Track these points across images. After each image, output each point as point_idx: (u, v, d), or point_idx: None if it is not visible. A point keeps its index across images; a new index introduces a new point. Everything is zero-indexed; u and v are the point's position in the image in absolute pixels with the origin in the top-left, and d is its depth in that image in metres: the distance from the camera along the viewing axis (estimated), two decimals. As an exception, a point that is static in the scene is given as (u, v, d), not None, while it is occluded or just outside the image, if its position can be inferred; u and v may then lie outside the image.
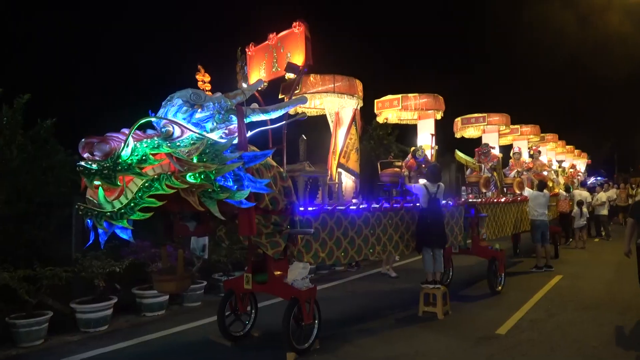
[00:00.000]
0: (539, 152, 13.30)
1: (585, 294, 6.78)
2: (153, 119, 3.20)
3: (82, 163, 2.96)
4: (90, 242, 3.01)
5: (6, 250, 5.24)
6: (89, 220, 2.99)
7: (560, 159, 17.25)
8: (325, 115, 6.37)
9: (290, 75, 4.80)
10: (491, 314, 5.71)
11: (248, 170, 3.54)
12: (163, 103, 3.54)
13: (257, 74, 5.56)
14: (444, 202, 6.47)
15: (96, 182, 2.98)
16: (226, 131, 3.63)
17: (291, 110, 6.06)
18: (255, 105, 4.10)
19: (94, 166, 2.95)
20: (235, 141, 3.53)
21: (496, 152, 10.70)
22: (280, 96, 5.43)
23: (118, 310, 5.44)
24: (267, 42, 5.21)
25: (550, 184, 12.90)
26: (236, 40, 6.04)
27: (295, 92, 5.10)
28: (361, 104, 6.01)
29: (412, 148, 7.29)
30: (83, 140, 3.03)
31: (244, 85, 4.90)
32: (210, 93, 4.54)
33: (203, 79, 4.80)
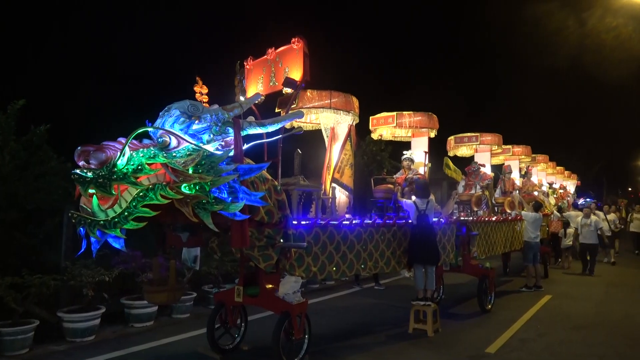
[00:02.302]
0: (531, 172, 13.43)
1: (574, 314, 6.80)
2: (150, 129, 3.21)
3: (77, 171, 2.96)
4: (82, 250, 2.99)
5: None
6: (81, 229, 2.98)
7: (551, 179, 17.41)
8: (320, 130, 6.41)
9: (287, 90, 4.85)
10: (481, 333, 5.70)
11: (243, 182, 3.55)
12: (160, 113, 3.56)
13: (255, 87, 5.61)
14: (435, 219, 6.50)
15: (91, 191, 2.97)
16: (222, 143, 3.66)
17: (287, 125, 6.12)
18: (252, 118, 4.14)
19: (89, 174, 2.95)
20: (231, 153, 3.55)
21: (488, 170, 10.81)
22: (277, 110, 5.46)
23: (105, 320, 5.36)
24: (265, 56, 5.27)
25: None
26: (236, 53, 6.11)
27: (292, 106, 5.13)
28: (357, 121, 6.06)
29: (403, 153, 7.32)
30: (79, 148, 3.04)
31: (242, 98, 4.93)
32: (207, 105, 4.58)
33: (201, 90, 4.83)
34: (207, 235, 4.38)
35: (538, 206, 9.70)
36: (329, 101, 5.37)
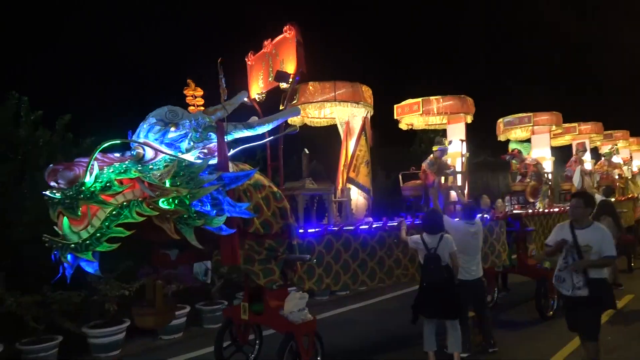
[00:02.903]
0: (614, 151, 12.57)
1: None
2: (117, 142, 3.23)
3: (47, 192, 3.02)
4: (58, 276, 3.05)
5: (20, 273, 5.53)
6: (56, 252, 3.03)
7: (638, 157, 16.09)
8: (336, 125, 6.30)
9: (283, 85, 4.77)
10: (539, 346, 5.31)
11: (230, 192, 3.49)
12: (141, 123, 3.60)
13: (257, 85, 5.60)
14: (478, 216, 6.12)
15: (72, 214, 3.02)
16: (205, 151, 3.63)
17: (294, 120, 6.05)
18: (255, 118, 4.10)
19: (58, 195, 3.00)
20: (214, 161, 3.51)
21: (547, 154, 10.13)
22: (281, 107, 5.41)
23: (134, 333, 5.56)
24: (263, 50, 5.24)
25: (623, 187, 12.12)
26: (238, 52, 6.16)
27: (293, 102, 5.05)
28: (371, 112, 5.90)
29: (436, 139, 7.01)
30: (50, 166, 3.11)
31: (225, 99, 4.91)
32: (202, 109, 4.59)
33: (194, 93, 4.86)
34: (210, 248, 4.40)
35: (609, 191, 8.98)
36: (334, 94, 5.25)
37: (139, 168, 3.25)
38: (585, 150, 11.29)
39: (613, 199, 9.10)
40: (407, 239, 4.92)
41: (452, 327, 4.64)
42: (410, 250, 5.19)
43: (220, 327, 4.66)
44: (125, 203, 3.14)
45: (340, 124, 6.13)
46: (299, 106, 5.29)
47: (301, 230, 4.42)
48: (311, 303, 5.01)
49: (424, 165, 6.57)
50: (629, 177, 13.17)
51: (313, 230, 4.54)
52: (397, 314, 7.08)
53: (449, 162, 7.06)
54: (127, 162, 3.27)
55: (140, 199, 3.18)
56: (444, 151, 6.64)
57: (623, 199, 11.49)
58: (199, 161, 3.43)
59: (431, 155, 6.59)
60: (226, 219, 3.33)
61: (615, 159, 13.10)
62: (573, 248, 3.98)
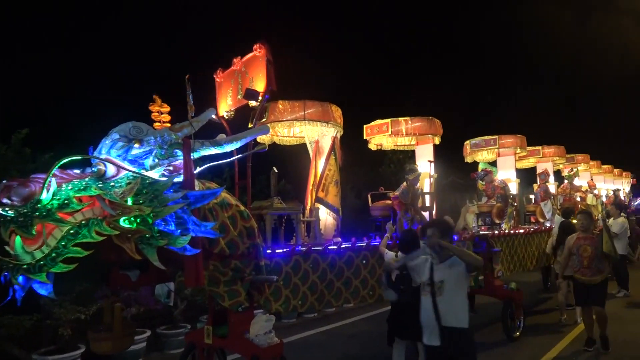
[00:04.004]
0: (574, 175, 13.09)
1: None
2: (78, 157, 3.16)
3: (-1, 210, 2.91)
4: (8, 298, 2.92)
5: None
6: (6, 274, 2.91)
7: (598, 180, 16.86)
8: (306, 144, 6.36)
9: (253, 103, 4.81)
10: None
11: (195, 211, 3.45)
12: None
13: (225, 102, 5.61)
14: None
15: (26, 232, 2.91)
16: (170, 168, 3.59)
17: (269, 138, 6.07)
18: (223, 136, 4.08)
19: (10, 212, 2.89)
20: (180, 179, 3.47)
21: (513, 176, 10.51)
22: (249, 125, 5.43)
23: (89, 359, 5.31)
24: (233, 67, 5.27)
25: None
26: (210, 65, 6.18)
27: (262, 120, 5.08)
28: (341, 132, 5.99)
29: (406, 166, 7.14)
30: (3, 183, 3.00)
31: (192, 116, 4.90)
32: (168, 125, 4.56)
33: (160, 109, 4.82)
34: (173, 269, 4.31)
35: (568, 212, 9.39)
36: (303, 113, 5.30)
37: (99, 185, 3.17)
38: (547, 176, 11.77)
39: (574, 220, 9.46)
40: (383, 251, 5.00)
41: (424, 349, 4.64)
42: (378, 271, 5.24)
43: (183, 352, 4.52)
44: (84, 222, 3.06)
45: (309, 143, 6.18)
46: (268, 124, 5.31)
47: (269, 251, 4.40)
48: (278, 326, 4.95)
49: (397, 194, 6.47)
50: (593, 204, 13.67)
51: (281, 250, 4.53)
52: (366, 337, 7.08)
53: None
54: (87, 178, 3.19)
55: (100, 218, 3.10)
56: (417, 178, 6.65)
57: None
58: (164, 179, 3.38)
59: (404, 184, 6.59)
60: (191, 239, 3.27)
61: (577, 181, 13.66)
62: (427, 285, 3.58)
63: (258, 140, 5.98)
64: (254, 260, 4.11)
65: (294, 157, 7.64)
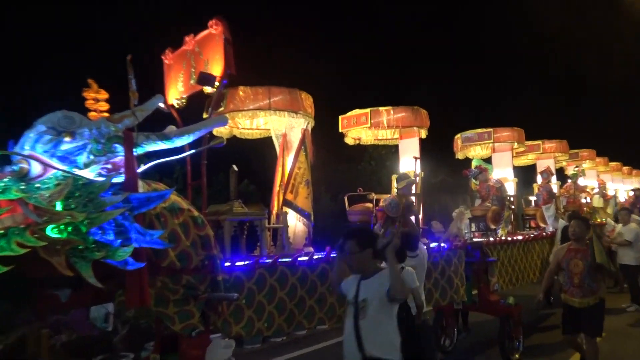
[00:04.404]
0: (580, 172, 13.45)
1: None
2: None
3: None
4: None
5: None
6: None
7: (605, 180, 17.35)
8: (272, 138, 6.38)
9: (208, 89, 4.79)
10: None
11: (139, 217, 3.41)
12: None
13: (175, 88, 5.56)
14: (434, 244, 6.37)
15: None
16: (108, 166, 3.55)
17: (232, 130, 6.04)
18: (172, 128, 4.05)
19: None
20: (120, 179, 3.44)
21: (510, 174, 10.78)
22: (204, 115, 5.41)
23: None
24: (184, 46, 5.23)
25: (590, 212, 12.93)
26: (158, 45, 6.11)
27: (219, 109, 5.07)
28: (312, 124, 6.03)
29: (394, 176, 7.26)
30: None
31: (135, 104, 4.85)
32: (106, 115, 4.49)
33: (96, 96, 4.74)
34: (112, 286, 4.25)
35: (574, 216, 9.66)
36: (268, 101, 5.32)
37: (22, 187, 3.11)
38: (551, 175, 12.06)
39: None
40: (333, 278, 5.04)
41: None
42: None
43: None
44: (2, 231, 2.99)
45: (275, 137, 6.19)
46: (227, 114, 5.29)
47: (227, 264, 4.38)
48: (239, 352, 4.95)
49: (384, 205, 6.42)
50: (600, 206, 14.11)
51: (242, 263, 4.52)
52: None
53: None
54: (6, 179, 3.12)
55: (22, 226, 3.04)
56: (409, 187, 6.67)
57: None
58: (101, 179, 3.34)
59: (393, 193, 6.62)
60: (133, 251, 3.24)
61: (582, 181, 14.01)
62: (351, 305, 3.42)
63: (215, 133, 5.96)
64: (210, 275, 4.09)
65: (258, 153, 7.67)
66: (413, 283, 4.68)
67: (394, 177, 8.15)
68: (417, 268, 5.26)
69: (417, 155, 7.55)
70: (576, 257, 5.53)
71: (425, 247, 5.82)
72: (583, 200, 13.29)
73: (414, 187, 7.37)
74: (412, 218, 6.90)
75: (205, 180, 4.95)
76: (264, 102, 5.39)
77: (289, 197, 5.72)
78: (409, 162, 7.55)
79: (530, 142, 12.36)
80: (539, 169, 13.44)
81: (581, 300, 5.46)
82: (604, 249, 5.60)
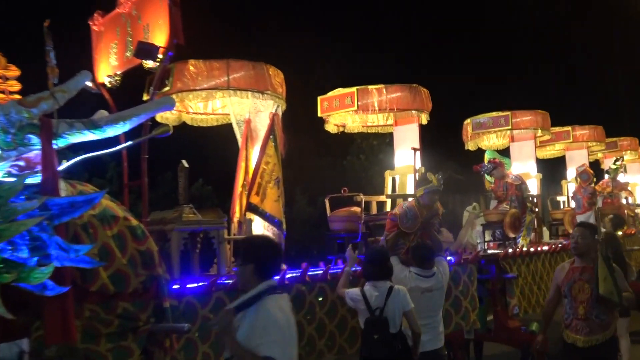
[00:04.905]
0: (622, 166, 13.55)
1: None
2: None
3: None
4: None
5: None
6: None
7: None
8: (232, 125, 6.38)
9: (149, 63, 4.77)
10: None
11: (61, 228, 3.40)
12: None
13: (107, 62, 5.53)
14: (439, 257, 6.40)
15: None
16: (21, 163, 3.54)
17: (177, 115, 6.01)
18: (104, 113, 4.03)
19: None
20: (37, 179, 3.42)
21: (532, 169, 10.90)
22: (145, 97, 5.39)
23: None
24: (118, 9, 5.21)
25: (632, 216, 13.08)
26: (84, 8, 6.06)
27: (164, 89, 5.04)
28: (284, 107, 6.04)
29: (388, 172, 7.29)
30: None
31: (55, 82, 4.83)
32: (18, 97, 4.46)
33: (4, 73, 4.72)
34: (26, 318, 4.22)
35: (618, 221, 9.75)
36: (226, 78, 5.30)
37: None
38: (592, 176, 11.95)
39: (620, 232, 9.85)
40: (343, 294, 5.04)
41: None
42: (341, 311, 5.31)
43: None
44: None
45: (237, 124, 6.19)
46: (174, 96, 5.28)
47: (176, 286, 4.37)
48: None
49: (397, 213, 6.15)
50: None
51: (195, 285, 4.51)
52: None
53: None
54: None
55: None
56: (432, 195, 6.16)
57: (634, 231, 12.45)
58: (10, 179, 3.33)
59: (410, 201, 6.36)
60: (54, 271, 3.22)
61: (622, 177, 14.13)
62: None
63: (158, 119, 5.93)
64: (153, 301, 4.08)
65: (215, 145, 7.62)
66: (407, 305, 4.75)
67: (387, 174, 8.22)
68: (433, 292, 5.28)
69: (417, 145, 7.59)
70: (581, 279, 5.02)
71: (446, 263, 5.84)
72: (623, 201, 13.44)
73: (412, 183, 7.41)
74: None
75: (146, 180, 4.90)
76: (221, 79, 5.37)
77: (255, 200, 5.71)
78: (406, 154, 7.61)
79: (557, 129, 12.48)
80: (569, 162, 13.67)
81: (587, 338, 4.95)
82: (614, 273, 4.97)
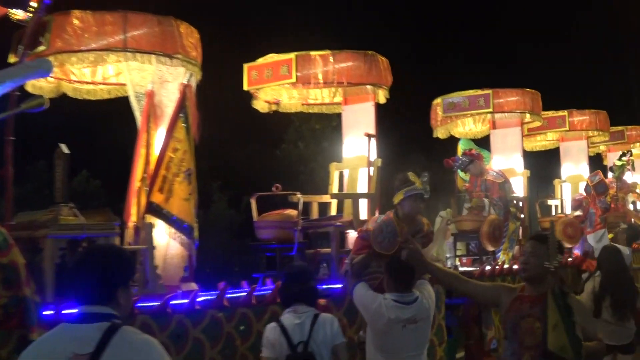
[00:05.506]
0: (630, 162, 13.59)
1: None
2: None
3: None
4: None
5: None
6: None
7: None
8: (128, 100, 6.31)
9: (17, 14, 4.69)
10: None
11: None
12: None
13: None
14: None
15: None
16: None
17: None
18: None
19: None
20: None
21: (518, 164, 11.06)
22: (12, 59, 5.29)
23: None
24: None
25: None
26: None
27: (38, 49, 4.95)
28: (198, 76, 6.04)
29: (334, 164, 7.31)
30: None
31: None
32: None
33: None
34: None
35: (634, 233, 9.97)
36: (123, 36, 5.27)
37: None
38: (606, 187, 12.08)
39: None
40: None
41: None
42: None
43: None
44: None
45: (136, 97, 6.13)
46: (51, 58, 5.17)
47: (49, 312, 4.36)
48: None
49: (370, 228, 5.94)
50: None
51: (74, 310, 4.46)
52: None
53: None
54: None
55: None
56: (415, 199, 6.04)
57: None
58: None
59: (388, 214, 6.28)
60: None
61: (630, 176, 14.27)
62: None
63: (29, 89, 5.81)
64: (16, 330, 4.08)
65: (105, 125, 7.53)
66: (338, 337, 4.77)
67: (333, 168, 8.24)
68: (418, 323, 5.20)
69: (372, 131, 7.63)
70: (531, 315, 4.32)
71: (430, 286, 5.58)
72: (630, 206, 13.65)
73: (366, 179, 7.44)
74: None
75: (11, 170, 4.83)
76: (115, 37, 5.32)
77: (157, 198, 5.65)
78: (358, 142, 7.65)
79: (550, 113, 12.71)
80: (564, 156, 13.84)
81: None
82: (571, 317, 4.22)
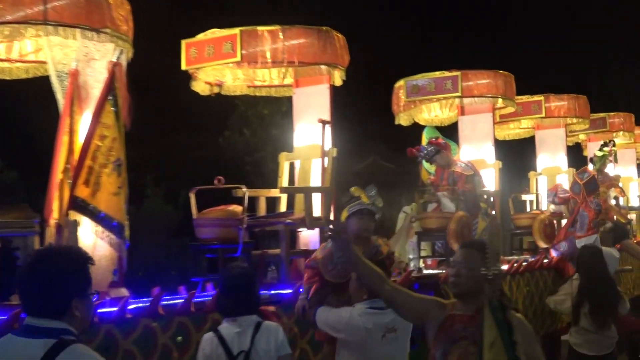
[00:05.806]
0: (611, 153, 13.66)
1: None
2: None
3: None
4: None
5: None
6: None
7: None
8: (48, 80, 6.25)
9: None
10: None
11: None
12: None
13: None
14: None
15: None
16: None
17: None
18: None
19: None
20: None
21: (489, 154, 11.16)
22: None
23: None
24: None
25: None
26: None
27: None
28: (130, 53, 6.03)
29: (283, 154, 7.31)
30: None
31: None
32: None
33: None
34: None
35: (620, 233, 10.11)
36: (43, 7, 5.24)
37: None
38: (596, 184, 12.13)
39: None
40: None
41: None
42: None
43: None
44: None
45: (58, 77, 6.08)
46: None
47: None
48: None
49: (318, 257, 5.89)
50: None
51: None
52: None
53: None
54: None
55: None
56: (364, 216, 5.98)
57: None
58: None
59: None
60: None
61: (611, 168, 14.54)
62: None
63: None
64: None
65: (22, 109, 7.45)
66: (283, 348, 4.80)
67: (283, 158, 8.23)
68: (397, 332, 5.19)
69: (327, 117, 7.65)
70: (465, 338, 4.16)
71: None
72: (612, 202, 13.82)
73: (320, 171, 7.47)
74: None
75: None
76: (34, 8, 5.26)
77: (83, 192, 5.60)
78: (311, 130, 7.67)
79: (524, 98, 12.97)
80: (540, 145, 14.02)
81: None
82: (511, 335, 4.01)
